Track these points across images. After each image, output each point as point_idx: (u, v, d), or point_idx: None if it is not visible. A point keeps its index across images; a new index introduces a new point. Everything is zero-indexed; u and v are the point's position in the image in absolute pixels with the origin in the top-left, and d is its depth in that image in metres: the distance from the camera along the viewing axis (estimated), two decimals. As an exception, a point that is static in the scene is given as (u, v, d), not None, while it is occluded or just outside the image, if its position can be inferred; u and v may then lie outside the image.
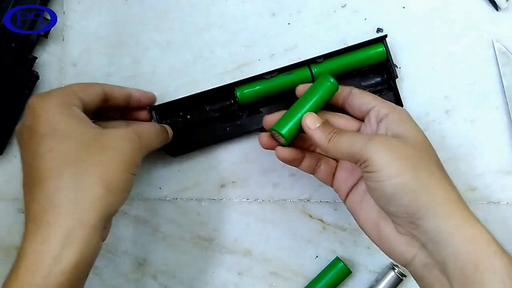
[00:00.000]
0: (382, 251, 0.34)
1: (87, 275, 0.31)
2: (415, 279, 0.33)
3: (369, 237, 0.35)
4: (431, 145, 0.34)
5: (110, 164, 0.30)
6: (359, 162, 0.32)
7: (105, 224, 0.31)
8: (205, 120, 0.42)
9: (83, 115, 0.32)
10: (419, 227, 0.30)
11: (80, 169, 0.29)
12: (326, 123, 0.35)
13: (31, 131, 0.31)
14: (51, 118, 0.30)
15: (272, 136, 0.36)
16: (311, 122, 0.34)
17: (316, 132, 0.34)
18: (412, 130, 0.33)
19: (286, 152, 0.36)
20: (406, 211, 0.30)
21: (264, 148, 0.37)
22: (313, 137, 0.34)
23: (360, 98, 0.36)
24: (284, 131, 0.35)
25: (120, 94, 0.37)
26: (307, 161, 0.37)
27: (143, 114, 0.40)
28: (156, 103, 0.40)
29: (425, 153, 0.32)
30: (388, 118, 0.34)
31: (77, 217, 0.29)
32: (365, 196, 0.35)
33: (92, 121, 0.33)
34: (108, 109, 0.38)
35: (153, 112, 0.40)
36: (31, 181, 0.30)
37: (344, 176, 0.37)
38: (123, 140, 0.32)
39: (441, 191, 0.31)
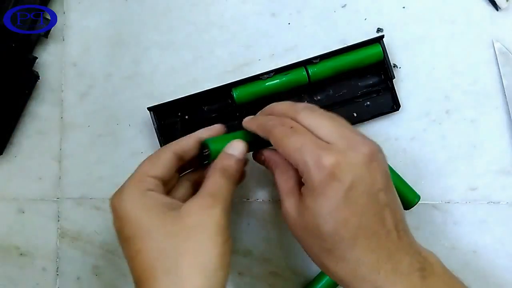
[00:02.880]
0: None
1: None
2: None
3: None
4: None
5: (200, 246, 0.29)
6: None
7: None
8: (203, 121, 0.41)
9: (159, 198, 0.31)
10: None
11: (172, 264, 0.28)
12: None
13: (119, 234, 0.31)
14: (130, 218, 0.30)
15: None
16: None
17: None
18: None
19: None
20: None
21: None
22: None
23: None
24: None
25: (191, 146, 0.34)
26: None
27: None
28: (154, 104, 0.40)
29: None
30: None
31: None
32: None
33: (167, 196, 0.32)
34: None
35: (151, 113, 0.40)
36: (135, 281, 0.30)
37: None
38: (200, 213, 0.30)
39: None
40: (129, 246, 0.30)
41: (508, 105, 0.43)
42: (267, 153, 0.35)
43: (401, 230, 0.30)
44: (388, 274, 0.28)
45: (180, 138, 0.35)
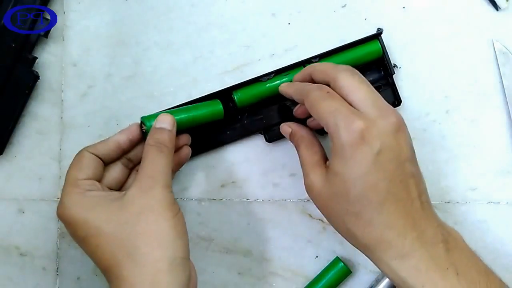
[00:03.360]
0: None
1: None
2: None
3: None
4: None
5: (151, 225, 0.31)
6: None
7: (182, 272, 0.31)
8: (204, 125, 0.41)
9: (98, 195, 0.33)
10: None
11: (131, 247, 0.30)
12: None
13: (74, 238, 0.33)
14: (79, 221, 0.31)
15: None
16: None
17: None
18: None
19: None
20: None
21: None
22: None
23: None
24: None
25: (107, 149, 0.35)
26: None
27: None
28: (154, 104, 0.40)
29: None
30: None
31: None
32: None
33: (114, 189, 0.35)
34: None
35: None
36: (102, 271, 0.32)
37: None
38: (142, 197, 0.31)
39: None
40: (87, 245, 0.31)
41: (508, 105, 0.43)
42: (294, 127, 0.37)
43: (425, 202, 0.31)
44: (414, 241, 0.29)
45: (98, 142, 0.36)
